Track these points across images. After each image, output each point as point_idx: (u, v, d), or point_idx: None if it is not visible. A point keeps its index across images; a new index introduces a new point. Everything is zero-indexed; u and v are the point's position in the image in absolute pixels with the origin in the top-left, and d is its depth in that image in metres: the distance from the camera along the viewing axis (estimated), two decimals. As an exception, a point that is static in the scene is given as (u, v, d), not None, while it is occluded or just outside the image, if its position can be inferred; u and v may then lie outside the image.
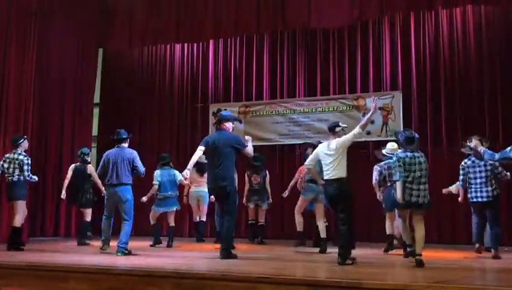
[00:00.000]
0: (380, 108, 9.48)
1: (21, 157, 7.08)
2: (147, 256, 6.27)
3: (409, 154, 5.53)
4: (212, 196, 7.17)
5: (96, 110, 11.11)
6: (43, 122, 9.52)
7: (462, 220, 8.21)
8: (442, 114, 9.14)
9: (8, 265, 5.23)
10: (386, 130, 9.33)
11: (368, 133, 9.52)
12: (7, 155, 7.20)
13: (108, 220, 6.72)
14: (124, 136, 6.75)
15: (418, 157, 5.52)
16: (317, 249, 6.92)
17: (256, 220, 8.73)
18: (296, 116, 10.05)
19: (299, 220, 7.30)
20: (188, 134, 10.74)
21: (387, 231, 6.98)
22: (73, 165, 8.17)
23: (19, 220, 7.04)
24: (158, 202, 7.78)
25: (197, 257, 6.32)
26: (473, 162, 6.51)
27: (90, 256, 6.24)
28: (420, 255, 5.32)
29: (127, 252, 6.37)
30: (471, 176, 6.50)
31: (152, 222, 7.89)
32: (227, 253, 5.90)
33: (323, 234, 6.96)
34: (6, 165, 7.08)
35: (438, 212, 8.30)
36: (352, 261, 5.42)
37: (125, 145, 6.74)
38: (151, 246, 7.65)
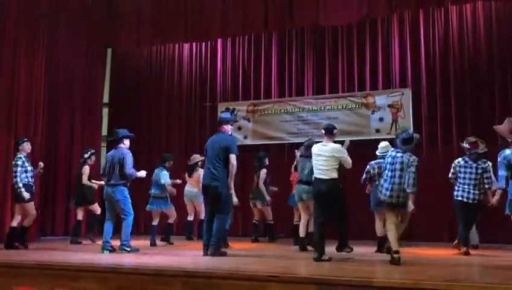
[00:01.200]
0: (389, 106, 9.47)
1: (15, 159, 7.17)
2: (155, 255, 6.29)
3: (392, 154, 5.58)
4: None
5: (105, 110, 11.16)
6: (53, 123, 9.57)
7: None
8: (452, 112, 9.07)
9: (19, 264, 5.27)
10: (396, 127, 9.26)
11: (377, 131, 9.50)
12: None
13: (108, 224, 6.71)
14: (120, 136, 6.76)
15: (397, 157, 5.49)
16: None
17: (258, 219, 8.71)
18: (304, 114, 10.02)
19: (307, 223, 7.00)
20: (196, 133, 10.75)
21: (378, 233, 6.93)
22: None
23: (28, 220, 7.16)
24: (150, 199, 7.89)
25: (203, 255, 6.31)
26: (466, 162, 6.58)
27: (100, 255, 6.27)
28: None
29: (128, 249, 6.44)
30: (461, 175, 6.58)
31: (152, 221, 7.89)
32: (215, 249, 5.98)
33: (302, 234, 6.93)
34: (13, 170, 7.21)
35: (448, 212, 8.20)
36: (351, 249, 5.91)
37: (123, 145, 6.77)
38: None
